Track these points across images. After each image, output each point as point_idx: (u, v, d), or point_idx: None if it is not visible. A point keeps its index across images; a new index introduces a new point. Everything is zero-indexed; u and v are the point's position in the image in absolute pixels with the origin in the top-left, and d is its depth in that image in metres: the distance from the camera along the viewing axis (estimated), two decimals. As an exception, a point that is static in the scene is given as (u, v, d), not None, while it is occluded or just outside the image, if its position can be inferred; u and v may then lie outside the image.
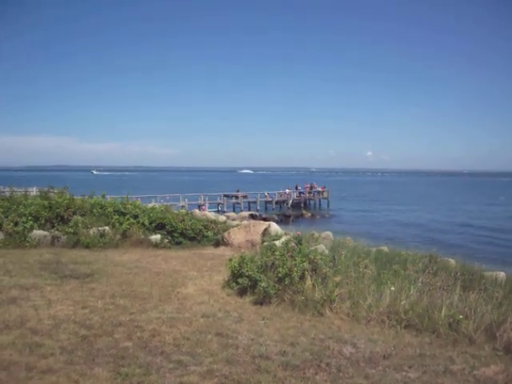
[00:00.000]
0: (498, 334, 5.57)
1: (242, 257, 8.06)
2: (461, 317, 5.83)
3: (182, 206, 33.55)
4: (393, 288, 6.71)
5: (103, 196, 15.10)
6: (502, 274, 8.98)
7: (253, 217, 32.96)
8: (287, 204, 46.64)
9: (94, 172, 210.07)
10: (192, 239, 13.21)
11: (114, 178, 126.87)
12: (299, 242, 8.39)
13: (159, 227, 13.24)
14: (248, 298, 7.35)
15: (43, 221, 12.53)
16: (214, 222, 14.67)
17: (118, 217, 13.10)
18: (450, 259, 10.27)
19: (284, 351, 5.08)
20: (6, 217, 12.10)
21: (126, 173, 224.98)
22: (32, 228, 11.96)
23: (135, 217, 13.36)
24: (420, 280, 7.25)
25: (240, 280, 7.63)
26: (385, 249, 10.80)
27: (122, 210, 13.56)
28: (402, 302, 6.35)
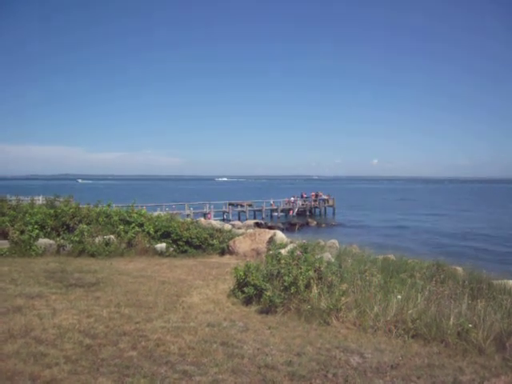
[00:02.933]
0: (508, 344, 5.47)
1: (247, 265, 8.02)
2: (470, 326, 5.74)
3: (188, 215, 33.65)
4: (399, 296, 6.63)
5: (109, 205, 15.16)
6: (510, 283, 8.87)
7: (258, 225, 32.93)
8: (293, 212, 46.53)
9: (80, 181, 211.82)
10: (197, 248, 13.20)
11: (96, 187, 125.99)
12: (305, 250, 8.34)
13: (164, 236, 13.24)
14: (253, 307, 7.29)
15: (49, 229, 12.61)
16: (220, 230, 14.66)
17: (123, 226, 13.13)
18: (457, 267, 10.17)
19: (290, 361, 5.02)
20: (12, 225, 12.17)
21: (111, 181, 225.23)
22: (38, 236, 12.02)
23: (140, 225, 13.38)
24: (427, 288, 7.16)
25: (245, 289, 7.58)
26: (391, 257, 10.71)
27: (128, 219, 13.59)
28: (410, 311, 6.27)
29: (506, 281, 8.92)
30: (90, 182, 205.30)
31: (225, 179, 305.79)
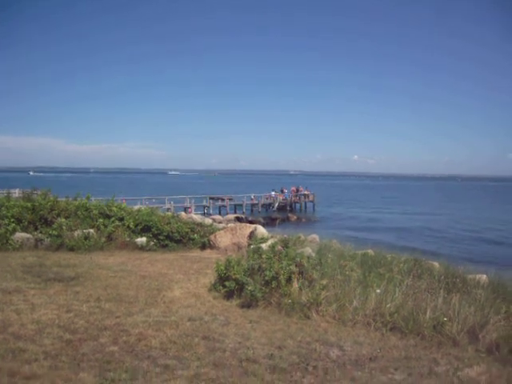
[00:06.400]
0: (480, 336, 5.67)
1: (228, 260, 8.05)
2: (445, 319, 5.92)
3: (168, 209, 33.38)
4: (378, 291, 6.77)
5: (88, 198, 14.94)
6: (484, 277, 9.13)
7: (239, 219, 33.01)
8: (273, 207, 46.68)
9: (31, 173, 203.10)
10: (178, 242, 13.15)
11: (48, 180, 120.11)
12: (286, 245, 8.42)
13: (145, 230, 13.13)
14: (235, 301, 7.34)
15: (26, 223, 12.34)
16: (200, 224, 14.63)
17: (103, 219, 12.97)
18: (434, 262, 10.39)
19: (271, 354, 5.09)
20: (-12, 219, 11.87)
21: (68, 174, 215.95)
22: (15, 230, 11.77)
23: (120, 219, 13.24)
24: (405, 283, 7.33)
25: (227, 283, 7.62)
26: (370, 252, 10.87)
27: (107, 213, 13.42)
28: (388, 305, 6.41)
29: (479, 275, 9.18)
30: (42, 174, 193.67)
31: (177, 173, 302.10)
